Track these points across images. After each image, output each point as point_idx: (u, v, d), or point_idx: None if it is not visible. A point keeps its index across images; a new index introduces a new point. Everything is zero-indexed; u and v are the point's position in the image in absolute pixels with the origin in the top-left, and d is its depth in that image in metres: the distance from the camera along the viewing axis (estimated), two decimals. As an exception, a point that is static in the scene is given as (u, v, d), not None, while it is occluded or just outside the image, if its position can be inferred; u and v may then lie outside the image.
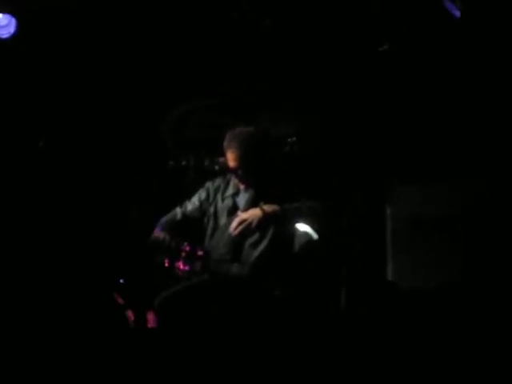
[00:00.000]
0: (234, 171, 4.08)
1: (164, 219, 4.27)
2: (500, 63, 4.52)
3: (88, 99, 4.89)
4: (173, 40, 4.86)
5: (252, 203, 4.06)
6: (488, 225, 4.42)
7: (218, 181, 4.28)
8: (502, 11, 4.43)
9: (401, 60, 4.66)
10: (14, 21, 4.56)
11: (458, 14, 4.38)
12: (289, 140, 4.62)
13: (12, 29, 4.56)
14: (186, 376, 3.80)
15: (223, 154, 4.09)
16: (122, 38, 4.81)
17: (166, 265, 4.06)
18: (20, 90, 4.76)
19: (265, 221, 3.95)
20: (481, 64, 4.54)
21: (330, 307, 4.21)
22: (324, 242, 4.05)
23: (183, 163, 4.27)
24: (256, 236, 4.02)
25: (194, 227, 4.24)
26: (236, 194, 4.17)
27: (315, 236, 4.03)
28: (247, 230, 3.96)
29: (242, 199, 4.15)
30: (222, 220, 4.15)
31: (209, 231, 4.19)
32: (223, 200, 4.19)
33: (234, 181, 4.19)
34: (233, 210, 4.13)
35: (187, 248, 4.04)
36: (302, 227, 4.02)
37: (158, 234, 4.12)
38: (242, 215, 3.99)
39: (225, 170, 4.17)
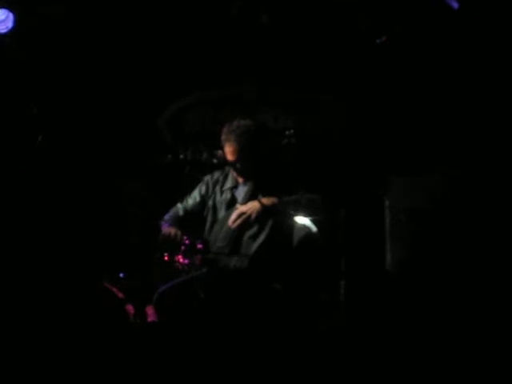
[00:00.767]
0: (232, 164, 4.08)
1: (167, 216, 4.29)
2: (496, 55, 4.52)
3: (86, 93, 4.88)
4: (171, 34, 4.85)
5: (251, 196, 4.08)
6: (483, 216, 4.42)
7: (217, 174, 4.29)
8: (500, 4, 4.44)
9: (398, 52, 4.66)
10: (11, 16, 4.55)
11: (455, 5, 4.38)
12: (286, 133, 4.61)
13: (10, 23, 4.55)
14: (186, 369, 3.80)
15: (221, 148, 4.10)
16: (121, 32, 4.81)
17: (166, 258, 4.07)
18: (17, 84, 4.75)
19: (263, 213, 3.96)
20: (476, 55, 4.54)
21: (330, 299, 4.21)
22: (323, 235, 4.05)
23: (181, 157, 4.28)
24: (255, 229, 4.02)
25: (194, 221, 4.25)
26: (235, 187, 4.18)
27: (314, 228, 4.03)
28: (246, 222, 3.97)
29: (240, 192, 4.15)
30: (221, 213, 4.17)
31: (208, 224, 4.20)
32: (222, 193, 4.20)
33: (232, 174, 4.20)
34: (231, 203, 4.14)
35: (187, 241, 4.05)
36: (301, 220, 4.02)
37: (168, 229, 4.13)
38: (240, 208, 4.00)
39: (223, 164, 4.18)
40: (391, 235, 4.49)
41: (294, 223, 4.04)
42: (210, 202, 4.22)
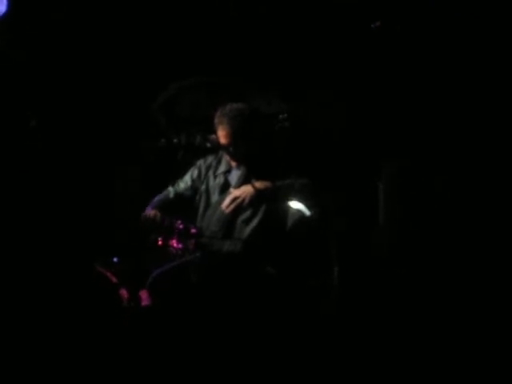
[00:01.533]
0: (225, 148, 4.08)
1: (156, 198, 4.29)
2: (493, 44, 4.51)
3: (80, 78, 4.87)
4: (166, 20, 4.84)
5: (244, 180, 4.07)
6: (477, 200, 4.43)
7: (210, 158, 4.28)
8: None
9: (394, 37, 4.65)
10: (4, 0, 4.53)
11: None
12: (280, 117, 4.60)
13: (3, 7, 4.53)
14: (180, 353, 3.81)
15: (215, 132, 4.09)
16: (117, 17, 4.80)
17: (160, 243, 4.08)
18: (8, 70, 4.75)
19: (257, 198, 3.96)
20: (473, 42, 4.53)
21: (323, 284, 4.21)
22: (317, 219, 4.05)
23: (175, 141, 4.27)
24: (248, 213, 4.02)
25: (186, 205, 4.25)
26: (228, 171, 4.18)
27: (307, 213, 4.03)
28: (239, 207, 3.97)
29: (233, 176, 4.15)
30: (214, 197, 4.16)
31: (201, 209, 4.19)
32: (215, 177, 4.20)
33: (225, 158, 4.19)
34: (225, 188, 4.13)
35: (180, 226, 4.06)
36: (295, 204, 4.02)
37: (149, 212, 4.15)
38: (234, 192, 4.00)
39: (217, 148, 4.17)
40: (386, 219, 4.49)
41: (287, 207, 4.04)
42: (203, 187, 4.21)
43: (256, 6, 4.77)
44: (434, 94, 4.56)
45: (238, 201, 3.95)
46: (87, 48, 4.82)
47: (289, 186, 3.98)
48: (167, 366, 3.77)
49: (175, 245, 4.06)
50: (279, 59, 4.85)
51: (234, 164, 4.15)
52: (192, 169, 4.30)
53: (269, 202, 4.01)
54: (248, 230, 4.02)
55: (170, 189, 4.31)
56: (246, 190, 3.96)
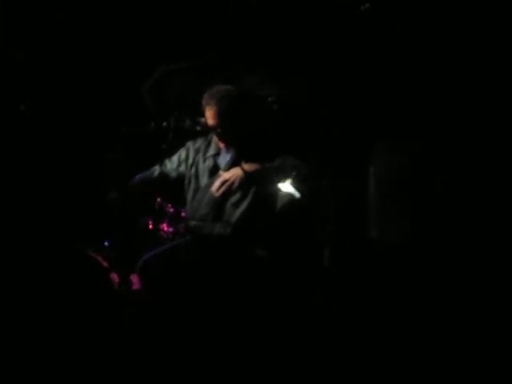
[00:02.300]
0: (213, 129, 4.07)
1: (139, 175, 4.30)
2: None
3: (72, 60, 4.86)
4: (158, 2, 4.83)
5: (233, 163, 4.06)
6: (468, 183, 4.41)
7: (200, 141, 4.27)
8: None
9: (385, 18, 4.63)
10: None
11: None
12: (269, 99, 4.59)
13: None
14: (171, 336, 3.82)
15: (203, 115, 4.08)
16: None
17: (151, 227, 4.08)
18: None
19: (246, 180, 3.95)
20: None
21: (314, 267, 4.21)
22: (306, 202, 4.05)
23: (164, 125, 4.26)
24: (238, 196, 4.02)
25: (169, 186, 4.25)
26: (217, 154, 4.17)
27: (297, 195, 4.03)
28: (229, 190, 3.96)
29: (223, 159, 4.14)
30: (203, 181, 4.15)
31: (190, 192, 4.19)
32: (204, 160, 4.18)
33: (214, 141, 4.18)
34: (214, 171, 4.12)
35: (171, 209, 4.06)
36: (285, 187, 4.01)
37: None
38: (224, 175, 3.98)
39: (206, 131, 4.17)
40: (376, 201, 4.48)
41: (277, 190, 4.03)
42: (193, 170, 4.20)
43: None
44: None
45: (228, 184, 3.94)
46: (81, 38, 4.81)
47: (278, 168, 3.97)
48: (159, 350, 3.78)
49: (166, 228, 4.07)
50: (272, 42, 4.83)
51: (222, 146, 4.13)
52: (181, 150, 4.29)
53: (258, 185, 4.01)
54: (238, 212, 4.02)
55: (156, 167, 4.31)
56: (236, 173, 3.95)
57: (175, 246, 4.03)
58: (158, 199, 4.09)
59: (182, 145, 4.30)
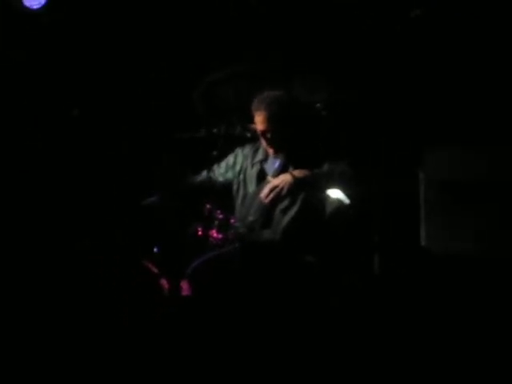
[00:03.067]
0: (262, 134, 4.06)
1: (189, 180, 4.34)
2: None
3: (121, 66, 4.92)
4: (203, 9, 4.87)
5: (282, 169, 4.05)
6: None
7: (248, 147, 4.27)
8: None
9: (434, 24, 4.59)
10: None
11: None
12: (318, 105, 4.58)
13: None
14: (220, 343, 3.82)
15: (253, 121, 4.09)
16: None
17: (200, 233, 4.08)
18: (49, 61, 4.80)
19: (295, 186, 3.93)
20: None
21: (364, 273, 4.18)
22: (356, 208, 4.02)
23: (214, 131, 4.28)
24: (286, 202, 4.00)
25: (224, 194, 4.25)
26: (264, 160, 4.16)
27: (347, 201, 4.00)
28: (278, 196, 3.95)
29: (270, 165, 4.13)
30: (251, 187, 4.15)
31: (239, 198, 4.19)
32: (252, 166, 4.18)
33: (262, 146, 4.17)
34: (261, 176, 4.12)
35: (220, 216, 4.05)
36: (333, 193, 3.99)
37: None
38: (273, 181, 3.97)
39: (256, 137, 4.17)
40: (426, 208, 4.42)
41: (326, 196, 4.01)
42: (241, 176, 4.20)
43: None
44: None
45: (277, 190, 3.92)
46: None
47: (328, 174, 3.94)
48: (208, 356, 3.78)
49: (215, 235, 4.06)
50: (326, 49, 4.82)
51: (271, 152, 4.12)
52: (229, 156, 4.30)
53: (307, 191, 3.99)
54: (286, 219, 4.01)
55: (204, 173, 4.32)
56: (285, 179, 3.93)
57: (224, 253, 4.02)
58: (208, 205, 4.08)
59: (231, 151, 4.31)
